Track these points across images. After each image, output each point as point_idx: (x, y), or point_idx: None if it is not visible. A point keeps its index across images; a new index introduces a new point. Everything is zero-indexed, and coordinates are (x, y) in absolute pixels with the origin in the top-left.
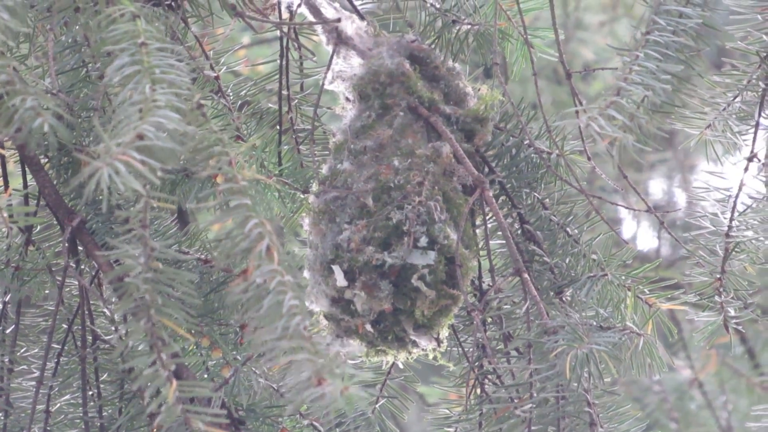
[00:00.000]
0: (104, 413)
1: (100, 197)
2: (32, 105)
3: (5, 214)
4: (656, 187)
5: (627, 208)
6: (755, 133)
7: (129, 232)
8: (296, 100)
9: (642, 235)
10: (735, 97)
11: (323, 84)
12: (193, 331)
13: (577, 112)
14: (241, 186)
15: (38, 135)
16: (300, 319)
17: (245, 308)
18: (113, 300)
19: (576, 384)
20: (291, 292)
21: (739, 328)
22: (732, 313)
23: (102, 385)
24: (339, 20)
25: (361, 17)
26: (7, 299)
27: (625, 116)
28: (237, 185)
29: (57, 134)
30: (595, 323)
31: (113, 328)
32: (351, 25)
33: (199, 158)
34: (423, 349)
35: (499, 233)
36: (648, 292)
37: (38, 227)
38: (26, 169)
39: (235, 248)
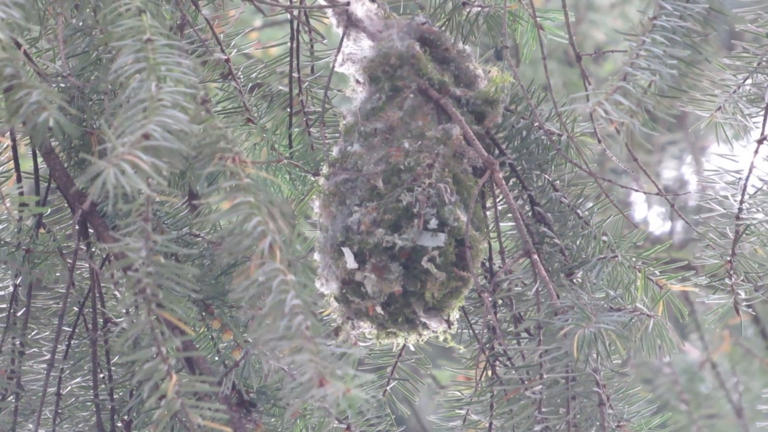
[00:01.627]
0: (115, 396)
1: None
2: (37, 99)
3: (8, 203)
4: (667, 169)
5: (637, 191)
6: (765, 115)
7: (131, 225)
8: (307, 83)
9: (654, 216)
10: (745, 80)
11: (334, 66)
12: (195, 323)
13: (587, 96)
14: (244, 183)
15: (43, 128)
16: (302, 319)
17: (248, 305)
18: (123, 283)
19: (585, 364)
20: (293, 291)
21: (749, 311)
22: (742, 295)
23: (113, 368)
24: (348, 3)
25: None
26: (18, 282)
27: (631, 101)
28: (240, 182)
29: (62, 128)
30: (604, 304)
31: (124, 311)
32: (361, 8)
33: (203, 154)
34: (433, 331)
35: (510, 215)
36: (659, 274)
37: (49, 210)
38: (37, 151)
39: (238, 245)
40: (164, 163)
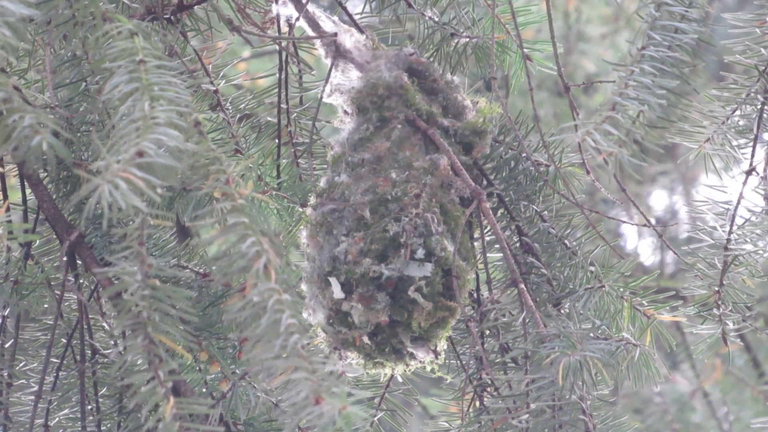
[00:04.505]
0: (103, 427)
1: (100, 212)
2: (30, 123)
3: (1, 231)
4: (658, 200)
5: (626, 222)
6: (754, 146)
7: (126, 249)
8: (295, 114)
9: (645, 247)
10: (734, 111)
11: (322, 97)
12: (191, 346)
13: (575, 126)
14: (238, 204)
15: (37, 153)
16: (297, 338)
17: (243, 326)
18: (112, 314)
19: (570, 393)
20: (288, 310)
21: (738, 341)
22: (731, 326)
23: (101, 400)
24: (336, 34)
25: (360, 30)
26: (6, 313)
27: (621, 131)
28: (235, 203)
29: (55, 152)
30: (591, 334)
31: (112, 343)
32: (350, 39)
33: (197, 176)
34: (420, 362)
35: (497, 245)
36: (646, 304)
37: (37, 241)
38: (25, 183)
39: (232, 266)
40: (159, 180)
